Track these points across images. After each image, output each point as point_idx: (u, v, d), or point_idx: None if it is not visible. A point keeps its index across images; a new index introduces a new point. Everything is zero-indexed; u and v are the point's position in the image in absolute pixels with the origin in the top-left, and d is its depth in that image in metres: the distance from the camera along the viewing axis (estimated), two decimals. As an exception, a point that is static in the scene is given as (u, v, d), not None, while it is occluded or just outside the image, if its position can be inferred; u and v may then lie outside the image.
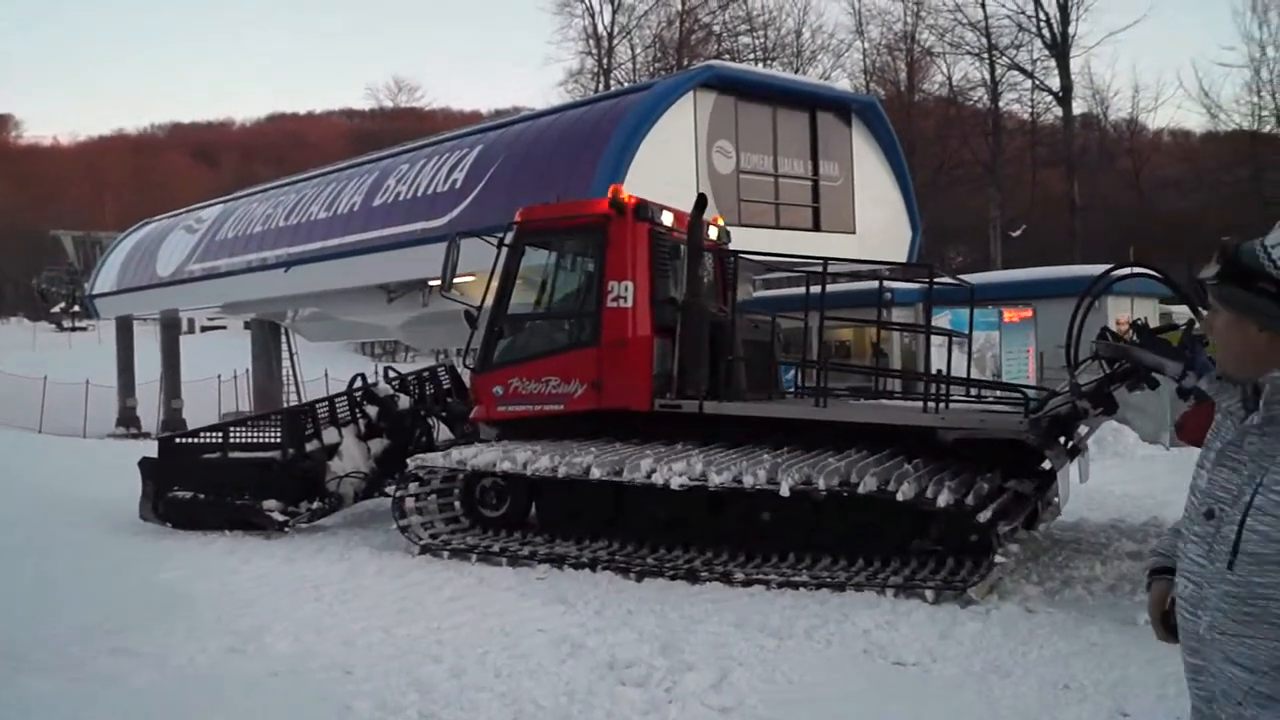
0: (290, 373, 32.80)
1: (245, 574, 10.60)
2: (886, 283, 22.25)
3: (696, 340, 11.30)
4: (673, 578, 9.83)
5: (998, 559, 8.82)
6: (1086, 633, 7.80)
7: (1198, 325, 9.17)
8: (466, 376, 13.23)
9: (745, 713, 6.33)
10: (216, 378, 38.68)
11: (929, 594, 8.85)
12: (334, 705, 6.48)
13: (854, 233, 22.41)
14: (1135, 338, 9.39)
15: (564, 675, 6.99)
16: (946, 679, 6.91)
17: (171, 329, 35.86)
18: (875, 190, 23.08)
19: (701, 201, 11.65)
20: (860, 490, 9.25)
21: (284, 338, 32.65)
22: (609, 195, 11.81)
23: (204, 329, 64.03)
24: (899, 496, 9.09)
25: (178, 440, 13.91)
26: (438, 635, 8.08)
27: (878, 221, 22.91)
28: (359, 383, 14.38)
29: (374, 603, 9.21)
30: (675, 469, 10.00)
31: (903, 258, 23.00)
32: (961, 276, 17.39)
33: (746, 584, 9.47)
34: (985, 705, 6.40)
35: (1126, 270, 10.73)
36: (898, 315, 23.41)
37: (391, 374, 14.87)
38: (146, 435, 30.71)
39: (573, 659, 7.37)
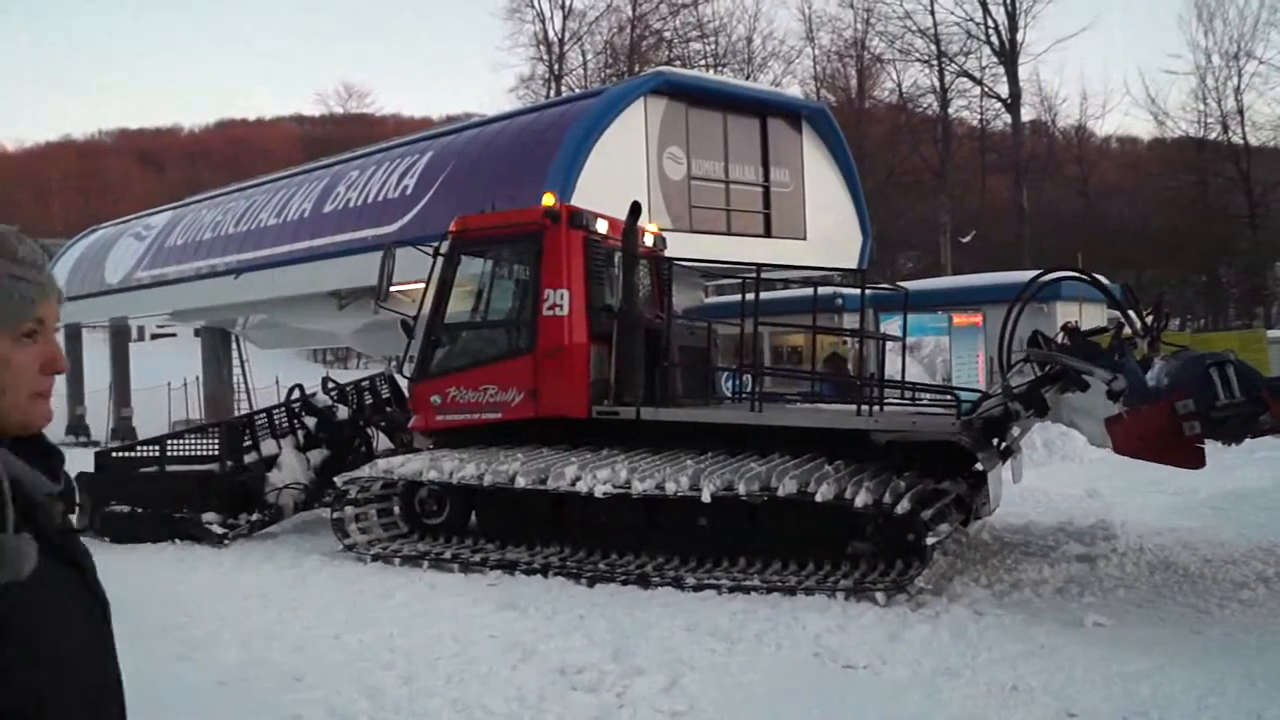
0: (241, 380, 32.56)
1: (193, 582, 10.53)
2: (838, 289, 22.38)
3: (633, 347, 11.34)
4: (624, 583, 9.85)
5: (929, 540, 8.90)
6: (1034, 634, 7.86)
7: (1127, 329, 9.35)
8: (405, 385, 13.21)
9: (696, 716, 6.34)
10: (167, 385, 38.30)
11: (879, 597, 8.91)
12: (283, 713, 6.45)
13: (805, 239, 22.52)
14: (1066, 340, 9.55)
15: (515, 681, 6.98)
16: (896, 681, 6.95)
17: (121, 336, 35.50)
18: (826, 196, 23.19)
19: (635, 209, 11.68)
20: (780, 493, 9.35)
21: (235, 345, 32.42)
22: (543, 204, 11.85)
23: (154, 336, 63.42)
24: (818, 498, 9.19)
25: (114, 454, 13.78)
26: (388, 642, 8.05)
27: (828, 227, 23.03)
28: (297, 393, 14.32)
29: (324, 610, 9.17)
30: (600, 476, 10.07)
31: (853, 263, 23.12)
32: (909, 282, 17.54)
33: (697, 589, 9.50)
34: (934, 707, 6.44)
35: (1055, 275, 10.91)
36: (848, 320, 23.54)
37: (330, 384, 14.80)
38: (96, 443, 30.34)
39: (524, 664, 7.36)
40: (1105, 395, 8.52)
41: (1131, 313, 9.51)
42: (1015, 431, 10.51)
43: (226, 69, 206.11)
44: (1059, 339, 9.74)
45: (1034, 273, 11.05)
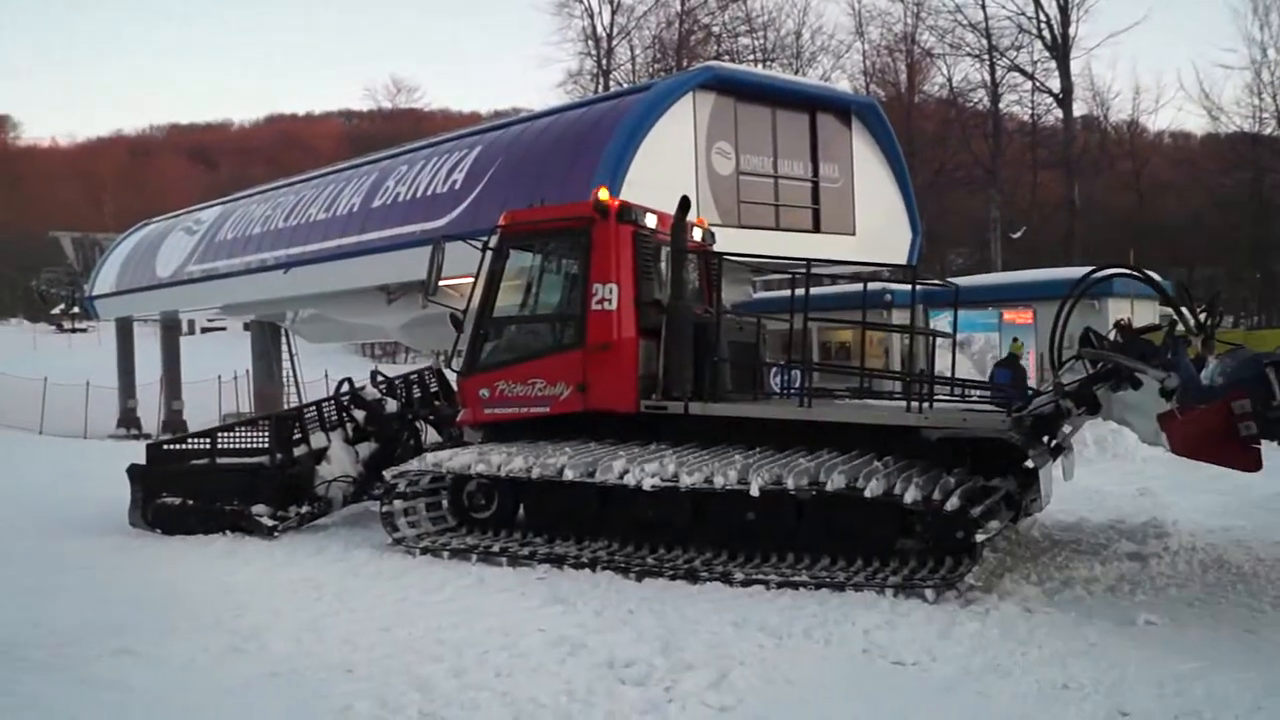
0: (290, 374, 32.78)
1: (244, 575, 10.60)
2: (888, 284, 22.25)
3: (681, 342, 11.36)
4: (672, 578, 9.84)
5: (978, 537, 8.85)
6: (1085, 633, 7.80)
7: (1180, 326, 9.26)
8: (454, 379, 13.25)
9: (744, 712, 6.34)
10: (217, 379, 38.68)
11: (928, 594, 8.86)
12: (334, 705, 6.48)
13: (854, 234, 22.40)
14: (1118, 337, 9.47)
15: (564, 675, 7.00)
16: (945, 678, 6.90)
17: (171, 330, 35.89)
18: (875, 192, 23.06)
19: (684, 204, 11.69)
20: (829, 488, 9.33)
21: (284, 339, 32.62)
22: (592, 198, 11.86)
23: (204, 330, 64.08)
24: (867, 493, 9.16)
25: (165, 446, 13.89)
26: (438, 635, 8.08)
27: (878, 223, 22.89)
28: (346, 387, 14.40)
29: (373, 603, 9.22)
30: (648, 470, 10.07)
31: (903, 259, 23.00)
32: (959, 278, 17.42)
33: (746, 584, 9.48)
34: (984, 705, 6.40)
35: (1108, 271, 10.79)
36: (897, 316, 23.42)
37: (379, 377, 14.89)
38: (147, 436, 30.63)
39: (572, 658, 7.37)
40: (1159, 393, 8.45)
41: (1185, 310, 9.42)
42: (1067, 429, 10.43)
43: (275, 64, 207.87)
44: (1111, 336, 9.65)
45: (1085, 269, 10.95)
